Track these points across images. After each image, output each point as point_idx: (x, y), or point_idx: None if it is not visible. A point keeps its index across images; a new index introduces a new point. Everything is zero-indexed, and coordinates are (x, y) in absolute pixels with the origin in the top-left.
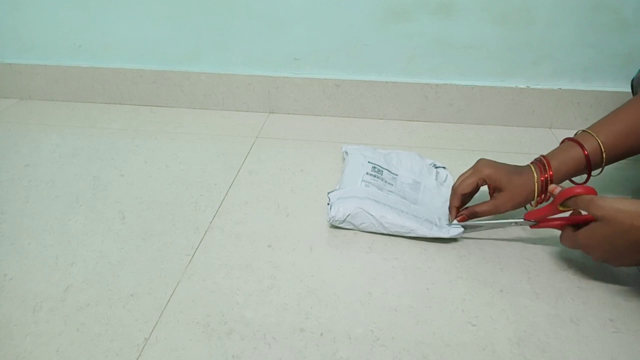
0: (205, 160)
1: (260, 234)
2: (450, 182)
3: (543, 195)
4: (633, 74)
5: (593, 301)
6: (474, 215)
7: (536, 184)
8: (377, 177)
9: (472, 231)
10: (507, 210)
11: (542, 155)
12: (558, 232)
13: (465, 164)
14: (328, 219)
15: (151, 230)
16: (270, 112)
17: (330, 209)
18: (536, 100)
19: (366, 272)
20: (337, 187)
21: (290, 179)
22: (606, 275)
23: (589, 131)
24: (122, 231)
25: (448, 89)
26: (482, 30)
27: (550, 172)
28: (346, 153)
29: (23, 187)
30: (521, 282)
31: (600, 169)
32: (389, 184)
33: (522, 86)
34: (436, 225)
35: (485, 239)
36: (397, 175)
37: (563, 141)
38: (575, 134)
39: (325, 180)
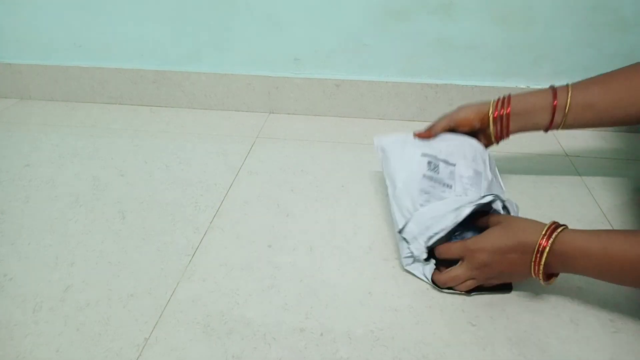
0: (205, 160)
1: (260, 234)
2: (486, 158)
3: (498, 128)
4: None
5: (593, 301)
6: (433, 129)
7: (491, 107)
8: (434, 180)
9: None
10: (463, 126)
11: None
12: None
13: None
14: (405, 262)
15: (151, 230)
16: (270, 112)
17: (409, 248)
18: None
19: (366, 272)
20: (400, 217)
21: (290, 179)
22: None
23: (568, 88)
24: (122, 231)
25: (448, 89)
26: (482, 30)
27: (508, 109)
28: (382, 150)
29: (23, 187)
30: (521, 282)
31: (555, 127)
32: (447, 185)
33: (522, 86)
34: None
35: None
36: (454, 165)
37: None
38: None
39: (325, 180)
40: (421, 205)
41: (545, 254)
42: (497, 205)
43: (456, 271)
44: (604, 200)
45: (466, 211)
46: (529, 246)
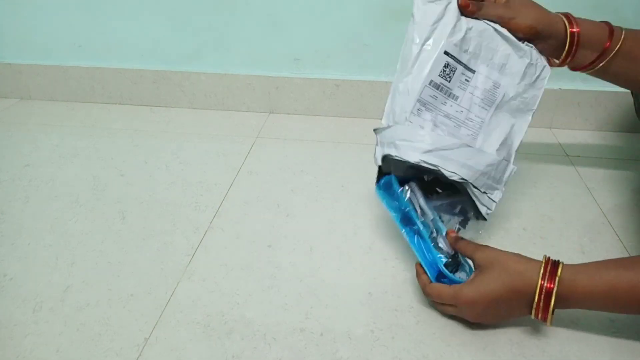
0: (205, 160)
1: (260, 234)
2: (545, 78)
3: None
4: None
5: None
6: (481, 12)
7: (565, 21)
8: (441, 89)
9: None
10: (519, 26)
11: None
12: (559, 232)
13: None
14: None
15: (151, 230)
16: (270, 112)
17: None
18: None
19: (366, 272)
20: (388, 114)
21: (290, 179)
22: None
23: (620, 39)
24: (122, 231)
25: None
26: None
27: (579, 29)
28: (412, 16)
29: (23, 187)
30: None
31: (590, 69)
32: (453, 97)
33: None
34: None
35: (486, 239)
36: (473, 73)
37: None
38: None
39: (325, 180)
40: (409, 115)
41: (553, 299)
42: (468, 185)
43: (444, 300)
44: (604, 200)
45: (437, 155)
46: (528, 291)
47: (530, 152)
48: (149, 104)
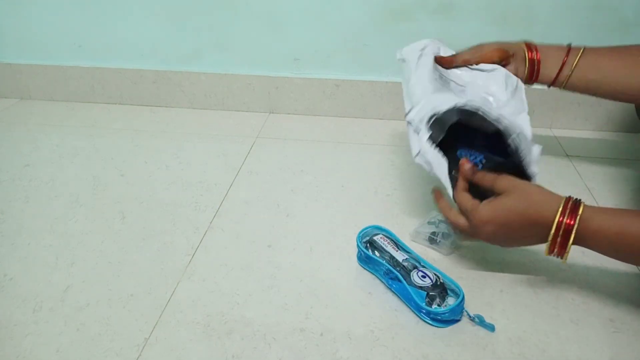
0: (205, 160)
1: (260, 234)
2: (522, 88)
3: (532, 70)
4: None
5: (593, 301)
6: (460, 60)
7: (525, 49)
8: (446, 82)
9: None
10: (486, 56)
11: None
12: None
13: None
14: (415, 155)
15: (151, 230)
16: (270, 112)
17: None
18: (536, 100)
19: (366, 272)
20: (408, 104)
21: (290, 179)
22: (606, 275)
23: (581, 48)
24: (122, 231)
25: None
26: (482, 30)
27: (539, 55)
28: (403, 60)
29: (23, 187)
30: (521, 282)
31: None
32: (461, 86)
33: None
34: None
35: None
36: (464, 86)
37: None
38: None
39: (325, 180)
40: (433, 92)
41: (573, 235)
42: (510, 134)
43: (459, 222)
44: (604, 201)
45: (475, 103)
46: (544, 224)
47: None
48: (149, 104)
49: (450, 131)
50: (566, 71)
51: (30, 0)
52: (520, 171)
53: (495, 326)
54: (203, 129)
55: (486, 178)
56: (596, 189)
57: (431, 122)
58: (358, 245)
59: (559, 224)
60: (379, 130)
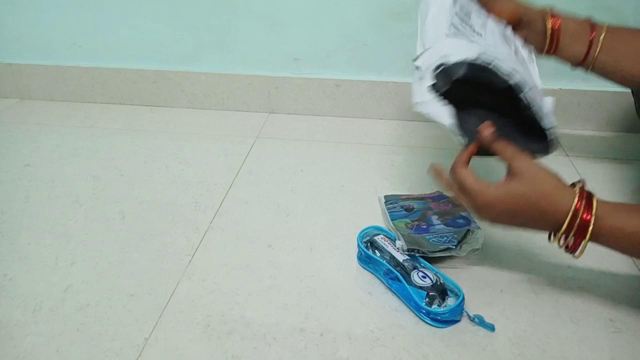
0: (205, 160)
1: (260, 234)
2: (534, 60)
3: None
4: None
5: (593, 301)
6: None
7: (547, 16)
8: (465, 22)
9: None
10: (502, 11)
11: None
12: None
13: None
14: (416, 102)
15: (151, 230)
16: (270, 112)
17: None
18: None
19: (366, 272)
20: (420, 46)
21: (290, 179)
22: (606, 275)
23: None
24: (122, 231)
25: None
26: None
27: (559, 23)
28: None
29: (23, 187)
30: (521, 282)
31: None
32: (478, 33)
33: None
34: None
35: (485, 238)
36: (487, 20)
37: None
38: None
39: (325, 180)
40: (447, 36)
41: (589, 232)
42: (523, 90)
43: (461, 201)
44: None
45: (490, 56)
46: (557, 215)
47: None
48: (149, 104)
49: (458, 87)
50: (593, 51)
51: (30, 0)
52: (527, 129)
53: (495, 326)
54: (203, 129)
55: (507, 151)
56: (596, 189)
57: (438, 71)
58: (359, 245)
59: (574, 216)
60: (379, 130)
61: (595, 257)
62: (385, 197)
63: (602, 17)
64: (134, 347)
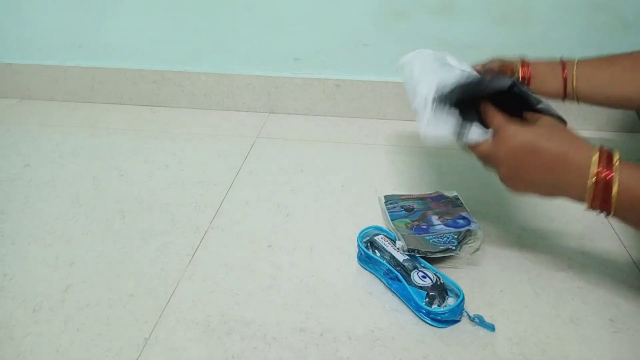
0: (205, 160)
1: (260, 234)
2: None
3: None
4: None
5: (593, 301)
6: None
7: (519, 66)
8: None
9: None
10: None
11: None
12: (559, 232)
13: (464, 165)
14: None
15: (151, 230)
16: (270, 112)
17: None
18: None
19: (366, 272)
20: (414, 98)
21: (290, 179)
22: (606, 275)
23: (574, 68)
24: (122, 231)
25: None
26: (482, 30)
27: (529, 72)
28: (402, 66)
29: (23, 187)
30: (521, 282)
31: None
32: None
33: None
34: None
35: (485, 238)
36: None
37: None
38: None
39: (325, 180)
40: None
41: (616, 184)
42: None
43: (493, 121)
44: None
45: (480, 78)
46: (581, 166)
47: None
48: (149, 104)
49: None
50: (570, 85)
51: (31, 0)
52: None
53: (495, 326)
54: (203, 129)
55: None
56: None
57: (436, 100)
58: (359, 245)
59: (599, 173)
60: (379, 130)
61: (595, 257)
62: (385, 197)
63: (602, 17)
64: (134, 347)
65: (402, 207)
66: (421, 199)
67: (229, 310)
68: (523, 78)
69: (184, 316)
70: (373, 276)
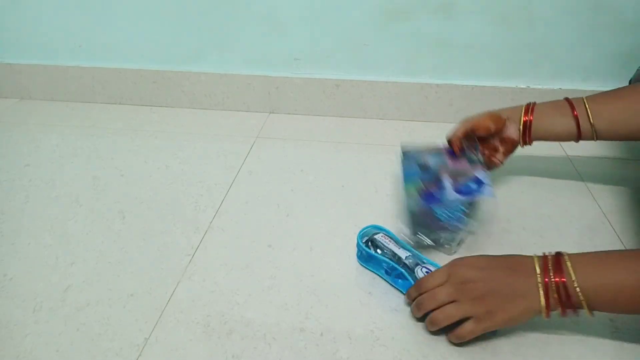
0: (205, 160)
1: (260, 234)
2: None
3: (525, 133)
4: (632, 74)
5: None
6: (454, 138)
7: (522, 111)
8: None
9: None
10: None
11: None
12: (559, 232)
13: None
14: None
15: (151, 230)
16: (270, 112)
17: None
18: (536, 100)
19: (366, 272)
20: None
21: (290, 179)
22: None
23: (585, 104)
24: (122, 231)
25: (448, 88)
26: (482, 30)
27: (532, 117)
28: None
29: (23, 187)
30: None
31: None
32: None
33: (522, 86)
34: None
35: (485, 238)
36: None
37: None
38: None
39: (325, 180)
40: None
41: (571, 272)
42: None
43: (438, 292)
44: (604, 201)
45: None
46: (529, 267)
47: (530, 152)
48: (149, 104)
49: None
50: (584, 122)
51: (31, 0)
52: None
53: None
54: (203, 129)
55: None
56: (596, 189)
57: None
58: (359, 244)
59: (548, 258)
60: (379, 130)
61: None
62: (403, 150)
63: (602, 17)
64: (134, 347)
65: (418, 163)
66: (438, 150)
67: (229, 310)
68: (525, 124)
69: (184, 316)
70: (373, 276)
